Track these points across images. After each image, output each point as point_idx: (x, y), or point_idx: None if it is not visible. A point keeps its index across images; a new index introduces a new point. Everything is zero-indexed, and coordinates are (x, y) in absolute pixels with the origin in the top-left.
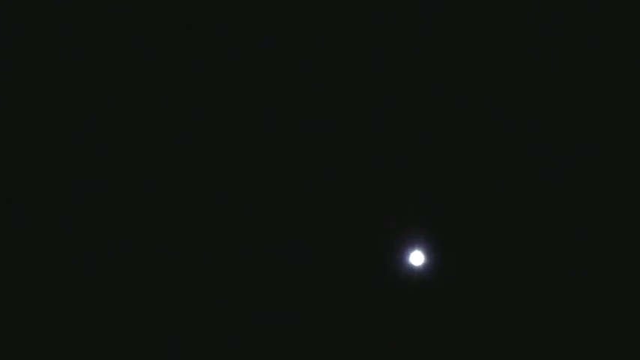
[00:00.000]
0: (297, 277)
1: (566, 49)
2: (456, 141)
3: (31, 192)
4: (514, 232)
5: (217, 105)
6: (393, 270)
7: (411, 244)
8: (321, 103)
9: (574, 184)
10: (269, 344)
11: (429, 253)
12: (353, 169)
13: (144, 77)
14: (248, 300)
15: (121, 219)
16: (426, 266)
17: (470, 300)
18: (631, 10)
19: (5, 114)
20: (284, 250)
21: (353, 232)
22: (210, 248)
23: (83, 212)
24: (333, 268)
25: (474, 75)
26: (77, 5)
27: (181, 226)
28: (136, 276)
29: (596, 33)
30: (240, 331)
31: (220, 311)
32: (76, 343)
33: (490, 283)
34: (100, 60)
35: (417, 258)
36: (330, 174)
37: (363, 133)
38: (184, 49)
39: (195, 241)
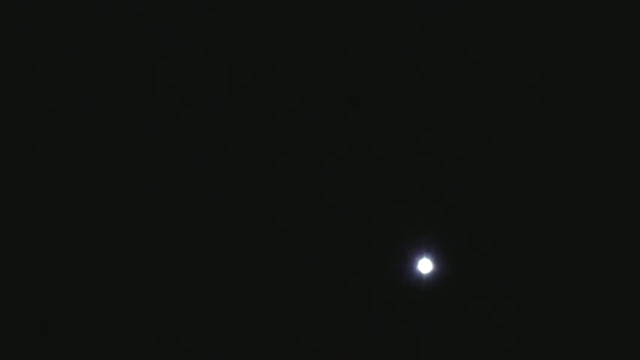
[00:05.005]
0: (305, 284)
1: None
2: (467, 149)
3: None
4: (522, 239)
5: (219, 106)
6: (402, 277)
7: (420, 252)
8: (330, 108)
9: (585, 192)
10: (274, 351)
11: (437, 260)
12: (362, 176)
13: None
14: (253, 306)
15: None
16: (434, 274)
17: (477, 307)
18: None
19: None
20: (292, 256)
21: (361, 238)
22: (213, 251)
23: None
24: (341, 275)
25: (489, 82)
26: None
27: (182, 226)
28: (134, 275)
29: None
30: (245, 336)
31: (222, 313)
32: (75, 342)
33: (498, 290)
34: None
35: (425, 265)
36: (339, 181)
37: (374, 139)
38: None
39: (198, 242)
